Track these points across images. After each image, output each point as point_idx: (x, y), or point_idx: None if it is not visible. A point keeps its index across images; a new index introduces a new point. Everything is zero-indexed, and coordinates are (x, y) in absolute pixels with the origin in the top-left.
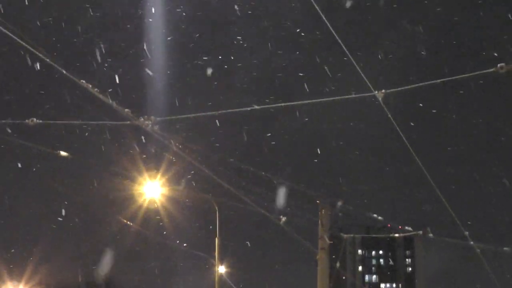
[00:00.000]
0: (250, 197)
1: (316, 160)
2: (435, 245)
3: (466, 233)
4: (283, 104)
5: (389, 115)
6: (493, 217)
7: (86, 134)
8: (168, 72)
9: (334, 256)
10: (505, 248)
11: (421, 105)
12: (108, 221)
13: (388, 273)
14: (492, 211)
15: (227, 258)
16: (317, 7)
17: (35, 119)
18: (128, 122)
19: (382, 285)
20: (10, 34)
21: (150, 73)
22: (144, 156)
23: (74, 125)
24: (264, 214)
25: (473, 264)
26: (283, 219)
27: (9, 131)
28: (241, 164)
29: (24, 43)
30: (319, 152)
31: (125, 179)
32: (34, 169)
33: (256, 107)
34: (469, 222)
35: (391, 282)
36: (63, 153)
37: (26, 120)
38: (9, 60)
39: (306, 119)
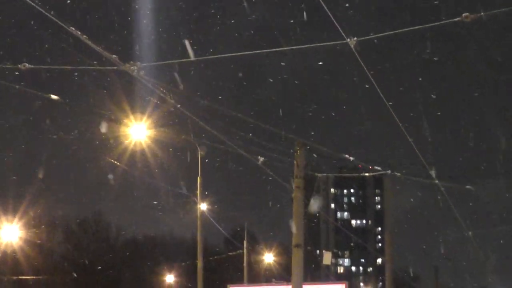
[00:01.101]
0: (232, 140)
1: (293, 104)
2: (403, 184)
3: (432, 172)
4: (258, 52)
5: (361, 62)
6: (457, 157)
7: (76, 79)
8: (155, 19)
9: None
10: (467, 186)
11: (392, 52)
12: (97, 161)
13: (359, 210)
14: (457, 151)
15: (209, 196)
16: None
17: (27, 64)
18: (115, 67)
19: (353, 221)
20: None
21: (138, 20)
22: (131, 100)
23: (64, 70)
24: (243, 155)
25: (438, 201)
26: (261, 159)
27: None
28: (223, 108)
29: None
30: (297, 96)
31: (113, 122)
32: (26, 112)
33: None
34: (434, 162)
35: (361, 218)
36: (53, 97)
37: (19, 65)
38: (1, 7)
39: (283, 64)
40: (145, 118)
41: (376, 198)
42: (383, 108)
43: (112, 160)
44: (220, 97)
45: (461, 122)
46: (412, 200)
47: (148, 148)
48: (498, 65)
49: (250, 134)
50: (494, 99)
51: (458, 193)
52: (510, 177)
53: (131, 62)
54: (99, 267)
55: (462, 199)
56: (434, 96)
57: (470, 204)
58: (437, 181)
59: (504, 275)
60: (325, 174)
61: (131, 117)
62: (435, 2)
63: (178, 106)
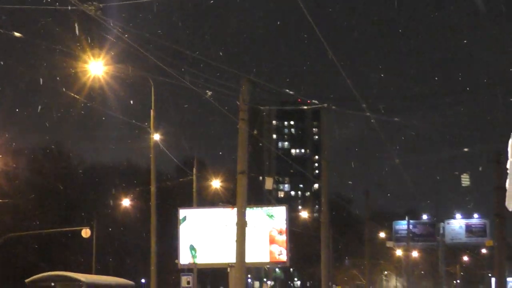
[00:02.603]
0: (182, 75)
1: (239, 43)
2: (339, 116)
3: (364, 105)
4: None
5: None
6: (386, 90)
7: (38, 17)
8: None
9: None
10: (395, 119)
11: None
12: (59, 95)
13: (298, 140)
14: (386, 84)
15: (161, 128)
16: None
17: None
18: (75, 7)
19: (293, 150)
20: None
21: None
22: (90, 39)
23: (27, 9)
24: (193, 89)
25: (369, 132)
26: (209, 93)
27: None
28: (177, 46)
29: None
30: (242, 35)
31: (72, 58)
32: None
33: None
34: (367, 96)
35: (300, 148)
36: (17, 34)
37: None
38: None
39: (235, 7)
40: (102, 55)
41: (314, 129)
42: (321, 46)
43: (73, 94)
44: (175, 36)
45: (392, 60)
46: (347, 131)
47: (106, 83)
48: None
49: (201, 71)
50: (425, 39)
51: (388, 124)
52: (437, 110)
53: (89, 2)
54: (61, 188)
55: (392, 130)
56: (369, 36)
57: (399, 134)
58: (368, 114)
59: (428, 198)
60: (267, 107)
61: (90, 54)
62: None
63: (134, 44)
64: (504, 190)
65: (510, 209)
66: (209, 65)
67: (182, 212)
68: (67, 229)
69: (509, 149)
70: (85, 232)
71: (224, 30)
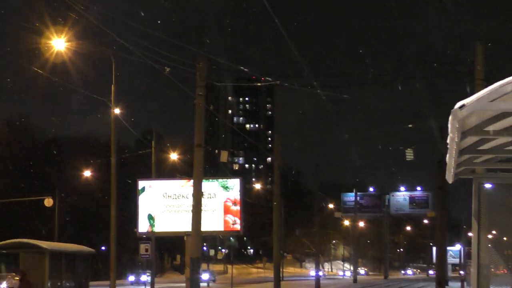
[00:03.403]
0: (143, 52)
1: (197, 21)
2: (292, 92)
3: (314, 82)
4: None
5: None
6: (337, 69)
7: None
8: None
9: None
10: (345, 96)
11: None
12: (23, 70)
13: (253, 115)
14: (335, 62)
15: (121, 102)
16: None
17: None
18: None
19: (247, 125)
20: None
21: None
22: (53, 16)
23: None
24: (152, 65)
25: (319, 108)
26: (167, 69)
27: None
28: (137, 24)
29: None
30: (200, 14)
31: (36, 34)
32: None
33: None
34: (318, 74)
35: (254, 123)
36: None
37: None
38: None
39: None
40: (65, 31)
41: (268, 105)
42: (274, 25)
43: (36, 69)
44: (137, 15)
45: (343, 39)
46: (299, 107)
47: (68, 58)
48: None
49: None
50: (377, 18)
51: (338, 101)
52: (386, 88)
53: None
54: (24, 160)
55: (341, 107)
56: (322, 16)
57: (346, 108)
58: (319, 91)
59: (375, 171)
60: (223, 84)
61: (53, 30)
62: None
63: (95, 22)
64: (445, 164)
65: (449, 182)
66: (169, 42)
67: (141, 183)
68: (30, 198)
69: (449, 126)
70: (48, 202)
71: (183, 9)
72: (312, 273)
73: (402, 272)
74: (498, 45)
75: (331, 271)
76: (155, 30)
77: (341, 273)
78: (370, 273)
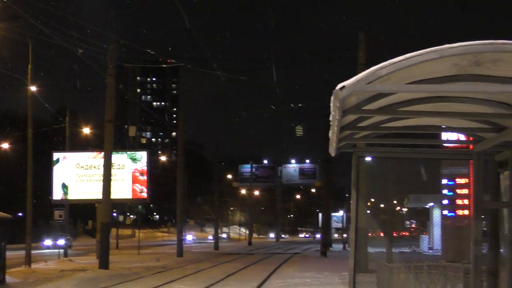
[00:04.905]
0: (58, 35)
1: (107, 7)
2: (196, 73)
3: (214, 65)
4: None
5: None
6: (237, 53)
7: None
8: None
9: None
10: (242, 77)
11: None
12: None
13: (159, 94)
14: (239, 48)
15: (38, 79)
16: None
17: None
18: None
19: (154, 103)
20: None
21: None
22: None
23: None
24: (66, 46)
25: (220, 89)
26: (80, 51)
27: None
28: (50, 7)
29: None
30: (110, 2)
31: None
32: None
33: None
34: (218, 57)
35: (161, 101)
36: None
37: None
38: None
39: None
40: None
41: (174, 85)
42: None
43: None
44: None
45: (241, 24)
46: (203, 87)
47: None
48: None
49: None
50: (273, 4)
51: (236, 81)
52: (281, 70)
53: None
54: None
55: (240, 87)
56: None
57: (245, 90)
58: (218, 72)
59: (269, 145)
60: (132, 65)
61: None
62: None
63: (12, 5)
64: (329, 139)
65: (332, 155)
66: (82, 26)
67: (56, 155)
68: None
69: (331, 105)
70: None
71: None
72: (211, 237)
73: (292, 235)
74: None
75: (229, 235)
76: (73, 17)
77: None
78: (261, 236)
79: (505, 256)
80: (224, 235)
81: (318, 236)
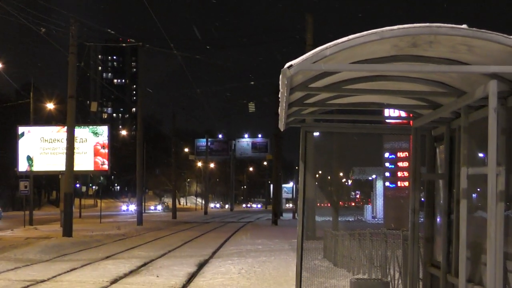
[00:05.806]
0: (22, 14)
1: None
2: (154, 52)
3: (172, 45)
4: None
5: None
6: (193, 32)
7: None
8: None
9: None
10: (197, 56)
11: None
12: None
13: (120, 72)
14: (198, 29)
15: (3, 56)
16: None
17: None
18: None
19: (115, 80)
20: None
21: None
22: None
23: None
24: (28, 25)
25: (178, 71)
26: (43, 30)
27: None
28: None
29: None
30: None
31: None
32: None
33: None
34: (176, 38)
35: (121, 78)
36: None
37: None
38: None
39: None
40: None
41: (133, 63)
42: None
43: None
44: None
45: (198, 4)
46: (162, 65)
47: None
48: None
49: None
50: None
51: (193, 61)
52: (236, 50)
53: None
54: None
55: (196, 66)
56: None
57: (201, 69)
58: (175, 52)
59: (223, 120)
60: (93, 43)
61: None
62: None
63: None
64: (278, 115)
65: (281, 130)
66: (44, 6)
67: (21, 129)
68: None
69: (280, 82)
70: None
71: None
72: (152, 207)
73: (244, 205)
74: (329, 16)
75: (186, 205)
76: None
77: (153, 207)
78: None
79: (440, 224)
80: (159, 207)
81: (269, 206)
